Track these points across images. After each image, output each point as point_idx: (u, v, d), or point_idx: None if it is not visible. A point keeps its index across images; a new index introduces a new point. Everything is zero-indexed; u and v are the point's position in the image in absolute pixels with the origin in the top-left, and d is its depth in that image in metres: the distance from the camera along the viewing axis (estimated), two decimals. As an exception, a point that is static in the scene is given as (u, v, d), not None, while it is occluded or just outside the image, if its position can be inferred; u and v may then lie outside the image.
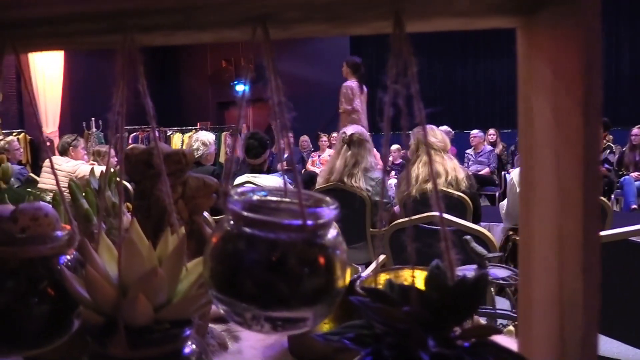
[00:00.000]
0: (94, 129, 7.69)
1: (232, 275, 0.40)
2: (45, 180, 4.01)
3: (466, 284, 0.42)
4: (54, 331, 0.45)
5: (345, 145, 3.37)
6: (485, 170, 7.27)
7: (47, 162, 4.24)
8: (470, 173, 3.14)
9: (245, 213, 0.40)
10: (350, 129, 3.46)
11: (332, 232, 0.41)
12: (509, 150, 8.23)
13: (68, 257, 0.47)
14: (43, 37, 0.47)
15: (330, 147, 8.07)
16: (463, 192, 2.90)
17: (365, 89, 5.43)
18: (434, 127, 3.27)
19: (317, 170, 6.77)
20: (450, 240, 0.44)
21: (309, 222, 0.39)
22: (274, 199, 0.44)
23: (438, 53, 10.50)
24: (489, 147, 7.41)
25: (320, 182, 3.59)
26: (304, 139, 8.67)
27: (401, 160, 7.83)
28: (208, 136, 4.67)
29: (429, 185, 2.98)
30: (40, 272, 0.44)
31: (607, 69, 9.66)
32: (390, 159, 7.40)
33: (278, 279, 0.39)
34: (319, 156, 7.88)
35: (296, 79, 12.12)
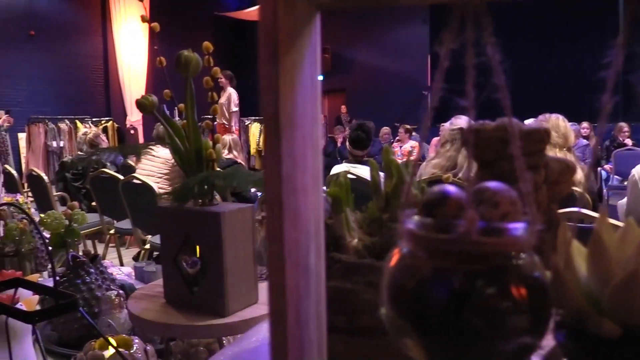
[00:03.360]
0: (177, 118, 7.84)
1: None
2: (144, 167, 4.03)
3: None
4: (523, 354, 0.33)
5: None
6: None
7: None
8: (591, 172, 2.88)
9: None
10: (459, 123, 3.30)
11: None
12: (604, 145, 7.75)
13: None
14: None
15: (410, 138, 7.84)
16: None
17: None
18: (559, 116, 3.02)
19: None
20: None
21: None
22: None
23: (525, 42, 10.00)
24: (584, 142, 6.95)
25: (428, 172, 3.41)
26: (385, 130, 8.48)
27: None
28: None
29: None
30: (521, 274, 0.32)
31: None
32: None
33: None
34: (400, 147, 7.66)
35: (375, 70, 11.90)
